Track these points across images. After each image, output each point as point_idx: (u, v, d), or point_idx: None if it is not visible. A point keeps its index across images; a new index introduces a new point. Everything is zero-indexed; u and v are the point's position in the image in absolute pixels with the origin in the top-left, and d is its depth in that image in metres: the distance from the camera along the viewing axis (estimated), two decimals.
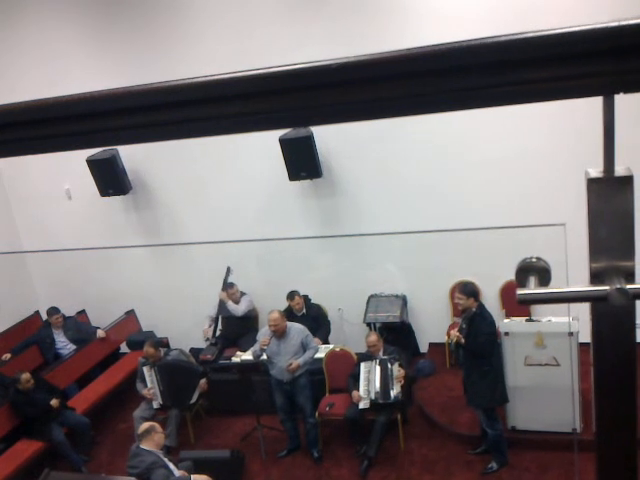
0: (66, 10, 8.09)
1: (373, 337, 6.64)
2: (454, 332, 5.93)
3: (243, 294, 8.15)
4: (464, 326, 5.85)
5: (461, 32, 5.96)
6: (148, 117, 1.09)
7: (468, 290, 5.84)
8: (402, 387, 6.45)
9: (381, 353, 6.60)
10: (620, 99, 0.98)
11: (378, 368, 6.51)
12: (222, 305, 8.09)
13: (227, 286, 8.04)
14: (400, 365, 6.49)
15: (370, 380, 6.52)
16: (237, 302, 8.08)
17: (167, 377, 7.11)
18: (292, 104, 1.02)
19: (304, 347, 6.64)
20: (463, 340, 5.78)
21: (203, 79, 1.04)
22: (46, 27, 8.17)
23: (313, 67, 0.97)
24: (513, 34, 0.92)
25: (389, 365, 6.46)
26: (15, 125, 1.13)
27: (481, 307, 5.87)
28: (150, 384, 7.12)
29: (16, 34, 8.27)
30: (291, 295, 7.63)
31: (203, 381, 7.26)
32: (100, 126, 1.11)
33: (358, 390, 6.54)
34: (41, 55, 8.23)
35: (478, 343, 5.72)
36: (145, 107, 1.08)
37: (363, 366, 6.61)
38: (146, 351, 7.18)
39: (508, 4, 6.59)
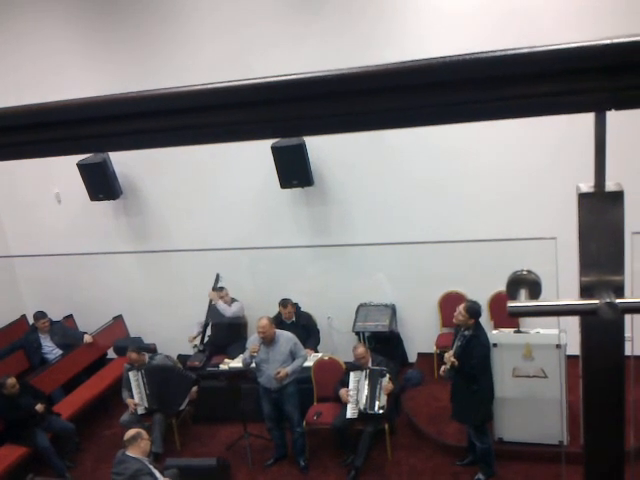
0: (62, 18, 8.07)
1: (361, 349, 6.62)
2: (449, 356, 5.85)
3: (234, 300, 8.12)
4: (458, 344, 5.83)
5: (463, 36, 6.04)
6: (142, 124, 1.09)
7: (472, 311, 5.78)
8: (387, 399, 6.44)
9: (370, 363, 6.60)
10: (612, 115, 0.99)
11: (367, 378, 6.50)
12: (211, 311, 8.07)
13: (217, 285, 8.03)
14: (390, 379, 6.48)
15: (359, 390, 6.52)
16: (228, 304, 8.05)
17: (154, 380, 7.09)
18: (287, 114, 1.02)
19: (293, 355, 6.62)
20: (457, 363, 5.76)
21: (197, 87, 1.04)
22: (42, 35, 8.15)
23: (308, 78, 0.98)
24: (506, 50, 0.92)
25: (379, 377, 6.45)
26: (10, 130, 1.13)
27: (478, 328, 5.82)
28: (136, 389, 7.09)
29: (13, 40, 8.24)
30: (284, 302, 7.62)
31: (194, 389, 7.23)
32: (95, 132, 1.11)
33: (347, 393, 6.52)
34: (38, 63, 8.20)
35: (471, 365, 5.72)
36: (139, 114, 1.08)
37: (352, 375, 6.60)
38: (129, 356, 7.16)
39: (508, 12, 6.65)
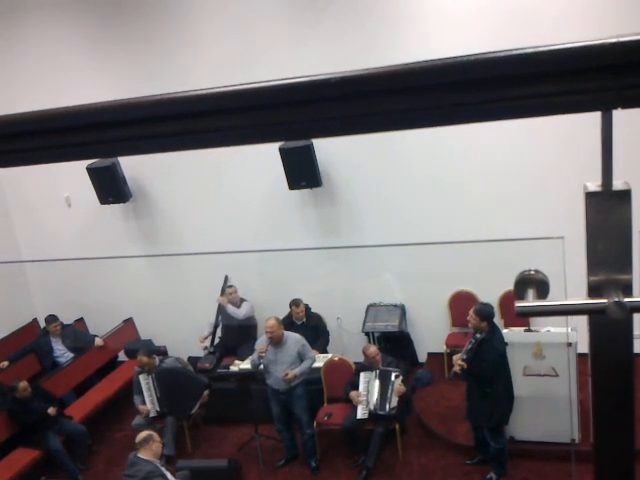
0: (67, 21, 8.12)
1: (373, 348, 6.60)
2: (457, 358, 5.80)
3: (243, 300, 8.14)
4: (469, 347, 5.78)
5: (469, 36, 6.02)
6: (149, 129, 1.10)
7: (483, 313, 5.74)
8: (399, 402, 6.43)
9: (380, 363, 6.59)
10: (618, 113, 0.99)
11: (378, 379, 6.49)
12: (221, 312, 8.09)
13: (226, 288, 8.06)
14: (403, 381, 6.47)
15: (369, 390, 6.51)
16: (236, 303, 8.06)
17: (164, 383, 7.10)
18: (291, 117, 1.03)
19: (301, 357, 6.62)
20: (465, 366, 5.70)
21: (203, 92, 1.05)
22: (47, 38, 8.21)
23: (312, 81, 0.98)
24: (512, 50, 0.92)
25: (392, 378, 6.43)
26: (18, 136, 1.14)
27: (492, 332, 5.74)
28: (147, 392, 7.11)
29: (18, 45, 8.30)
30: (296, 302, 7.62)
31: (206, 393, 7.25)
32: (102, 137, 1.12)
33: (357, 396, 6.51)
34: (43, 66, 8.25)
35: (481, 368, 5.68)
36: (146, 119, 1.09)
37: (363, 376, 6.59)
38: (140, 360, 7.17)
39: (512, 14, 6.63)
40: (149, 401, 7.11)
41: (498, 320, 7.24)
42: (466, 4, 6.81)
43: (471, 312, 5.77)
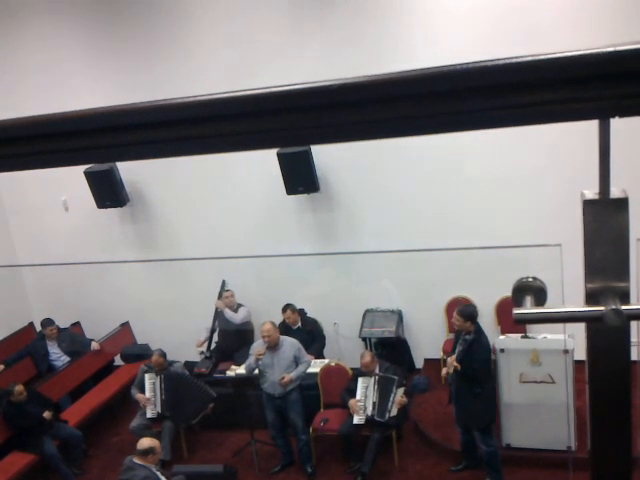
0: (68, 27, 8.13)
1: (368, 358, 6.55)
2: (451, 360, 5.80)
3: (240, 305, 8.13)
4: (460, 348, 5.80)
5: (469, 43, 6.02)
6: (149, 134, 1.10)
7: (466, 313, 5.78)
8: (398, 412, 6.42)
9: (377, 369, 6.58)
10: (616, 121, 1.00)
11: (376, 385, 6.48)
12: (218, 317, 8.07)
13: (223, 292, 8.05)
14: (405, 392, 6.46)
15: (367, 396, 6.49)
16: (233, 307, 8.06)
17: (172, 387, 7.07)
18: (292, 124, 1.03)
19: (297, 361, 6.61)
20: (459, 367, 5.73)
21: (203, 98, 1.05)
22: (48, 44, 8.21)
23: (314, 87, 0.99)
24: (510, 58, 0.93)
25: (395, 387, 6.41)
26: (17, 140, 1.14)
27: (478, 331, 5.79)
28: (150, 392, 7.07)
29: (18, 52, 8.30)
30: (284, 308, 7.62)
31: (210, 406, 7.23)
32: (100, 143, 1.12)
33: (355, 404, 6.50)
34: (44, 72, 8.26)
35: (473, 369, 5.70)
36: (146, 124, 1.09)
37: (361, 381, 6.57)
38: (155, 360, 7.15)
39: (514, 21, 6.65)
40: (151, 402, 7.08)
41: (495, 326, 7.27)
42: (469, 8, 6.83)
43: (454, 314, 5.86)
